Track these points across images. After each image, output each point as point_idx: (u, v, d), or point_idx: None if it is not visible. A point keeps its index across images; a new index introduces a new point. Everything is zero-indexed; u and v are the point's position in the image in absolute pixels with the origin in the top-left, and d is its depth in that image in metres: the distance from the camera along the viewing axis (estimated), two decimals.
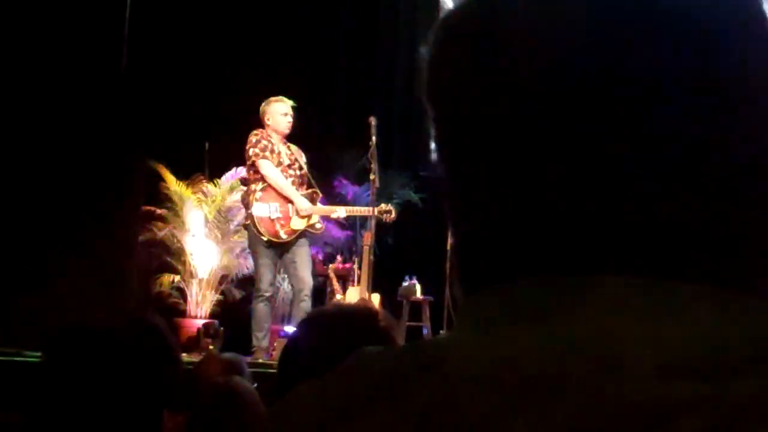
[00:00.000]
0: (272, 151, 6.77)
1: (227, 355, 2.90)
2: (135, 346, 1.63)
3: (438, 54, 0.60)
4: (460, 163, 0.58)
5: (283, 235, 6.71)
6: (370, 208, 7.16)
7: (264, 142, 6.74)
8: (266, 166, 6.72)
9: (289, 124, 6.84)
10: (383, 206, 7.02)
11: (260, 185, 6.79)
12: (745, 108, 0.54)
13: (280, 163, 6.81)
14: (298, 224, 6.75)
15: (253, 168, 6.80)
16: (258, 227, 6.72)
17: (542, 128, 0.53)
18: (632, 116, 0.52)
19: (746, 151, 0.53)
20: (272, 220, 6.71)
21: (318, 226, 6.88)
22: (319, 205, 6.94)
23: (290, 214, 6.75)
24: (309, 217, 6.78)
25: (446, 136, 0.60)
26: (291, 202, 6.76)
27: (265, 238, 6.70)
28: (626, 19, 0.53)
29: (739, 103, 0.54)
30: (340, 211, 7.09)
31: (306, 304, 6.68)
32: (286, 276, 7.47)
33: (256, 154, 6.71)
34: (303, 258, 6.85)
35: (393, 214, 7.09)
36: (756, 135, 0.54)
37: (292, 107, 6.89)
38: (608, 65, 0.52)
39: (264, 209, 6.70)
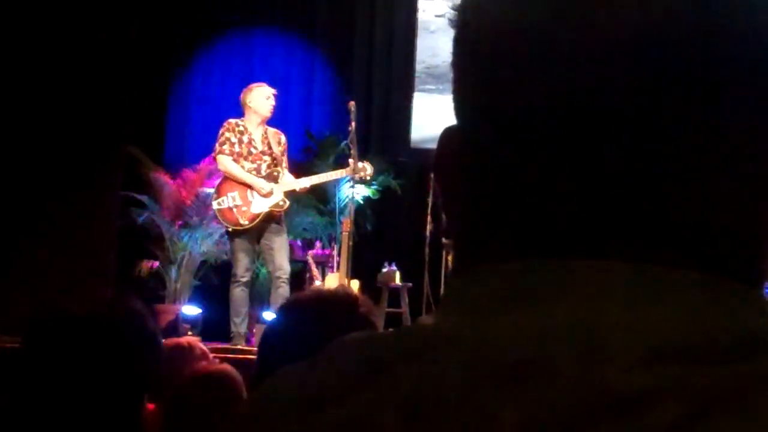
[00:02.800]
0: (241, 141, 6.87)
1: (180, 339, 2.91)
2: (116, 332, 1.63)
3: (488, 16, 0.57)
4: (465, 140, 0.57)
5: (245, 222, 6.77)
6: (339, 171, 7.21)
7: (227, 134, 6.87)
8: (222, 162, 6.90)
9: (272, 108, 6.94)
10: (358, 165, 6.97)
11: (220, 178, 7.02)
12: (739, 93, 0.53)
13: (250, 153, 6.89)
14: (259, 207, 6.80)
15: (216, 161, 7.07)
16: (221, 221, 6.92)
17: (551, 109, 0.53)
18: (632, 103, 0.51)
19: (736, 136, 0.53)
20: (231, 210, 6.81)
21: (281, 203, 6.87)
22: (281, 181, 6.93)
23: (249, 199, 6.80)
24: (270, 194, 6.81)
25: (467, 98, 0.58)
26: (251, 187, 6.83)
27: (230, 229, 6.85)
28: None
29: (736, 90, 0.53)
30: (303, 182, 7.07)
31: (283, 290, 6.71)
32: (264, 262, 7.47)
33: (215, 150, 6.92)
34: (280, 244, 6.89)
35: (369, 170, 7.06)
36: (746, 121, 0.53)
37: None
38: (643, 55, 0.51)
39: (223, 201, 6.85)
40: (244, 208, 6.78)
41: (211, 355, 2.32)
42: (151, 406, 1.61)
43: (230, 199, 6.81)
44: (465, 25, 0.58)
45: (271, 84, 7.11)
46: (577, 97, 0.52)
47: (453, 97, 0.59)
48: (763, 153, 0.54)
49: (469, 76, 0.58)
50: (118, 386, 1.58)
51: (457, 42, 0.59)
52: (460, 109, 0.59)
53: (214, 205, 6.93)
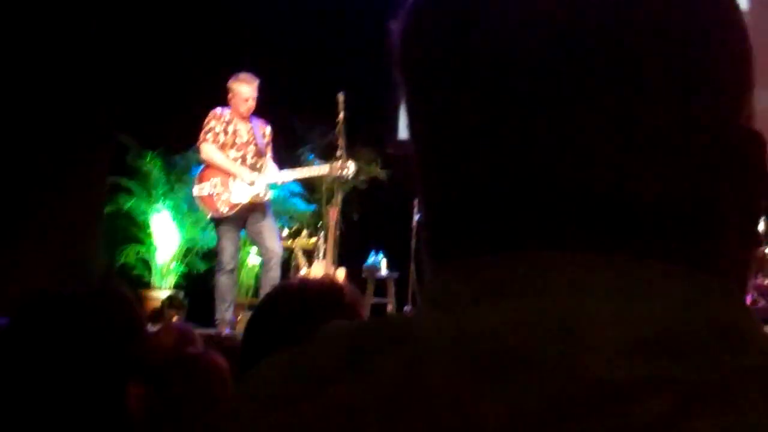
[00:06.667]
0: (226, 132, 6.80)
1: (176, 324, 2.89)
2: (101, 316, 1.63)
3: (412, 25, 0.59)
4: (430, 137, 0.58)
5: (224, 209, 6.70)
6: (324, 166, 7.18)
7: (212, 123, 6.79)
8: (205, 150, 6.81)
9: (250, 109, 6.83)
10: (342, 162, 6.90)
11: (203, 165, 6.93)
12: (711, 89, 0.54)
13: (234, 143, 6.82)
14: (240, 197, 6.73)
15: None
16: (202, 207, 6.87)
17: (512, 103, 0.53)
18: (603, 95, 0.52)
19: (712, 130, 0.53)
20: (211, 196, 6.75)
21: (262, 194, 6.81)
22: (264, 172, 6.89)
23: (230, 187, 6.73)
24: (254, 183, 6.76)
25: (417, 110, 0.60)
26: (235, 176, 6.77)
27: (209, 216, 6.82)
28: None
29: (707, 86, 0.54)
30: (285, 175, 7.02)
31: (274, 273, 6.68)
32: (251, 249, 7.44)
33: (199, 139, 6.84)
34: (268, 228, 6.83)
35: (351, 169, 6.99)
36: (718, 115, 0.54)
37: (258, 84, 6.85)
38: (587, 42, 0.52)
39: (203, 188, 6.77)
40: (224, 196, 6.71)
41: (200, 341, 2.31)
42: (136, 389, 1.62)
43: (211, 186, 6.73)
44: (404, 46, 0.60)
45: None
46: (547, 85, 0.53)
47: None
48: (717, 136, 0.54)
49: (409, 92, 0.60)
50: (102, 369, 1.59)
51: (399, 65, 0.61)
52: (435, 100, 0.59)
53: (195, 191, 6.84)
